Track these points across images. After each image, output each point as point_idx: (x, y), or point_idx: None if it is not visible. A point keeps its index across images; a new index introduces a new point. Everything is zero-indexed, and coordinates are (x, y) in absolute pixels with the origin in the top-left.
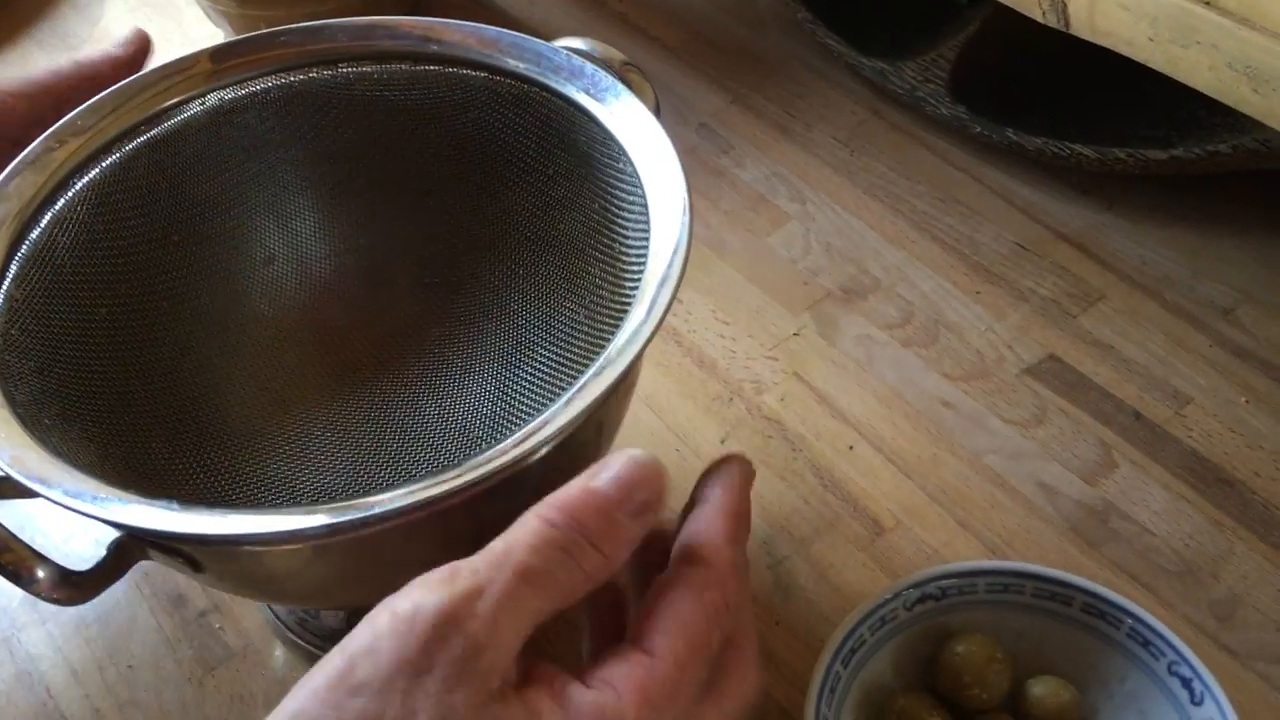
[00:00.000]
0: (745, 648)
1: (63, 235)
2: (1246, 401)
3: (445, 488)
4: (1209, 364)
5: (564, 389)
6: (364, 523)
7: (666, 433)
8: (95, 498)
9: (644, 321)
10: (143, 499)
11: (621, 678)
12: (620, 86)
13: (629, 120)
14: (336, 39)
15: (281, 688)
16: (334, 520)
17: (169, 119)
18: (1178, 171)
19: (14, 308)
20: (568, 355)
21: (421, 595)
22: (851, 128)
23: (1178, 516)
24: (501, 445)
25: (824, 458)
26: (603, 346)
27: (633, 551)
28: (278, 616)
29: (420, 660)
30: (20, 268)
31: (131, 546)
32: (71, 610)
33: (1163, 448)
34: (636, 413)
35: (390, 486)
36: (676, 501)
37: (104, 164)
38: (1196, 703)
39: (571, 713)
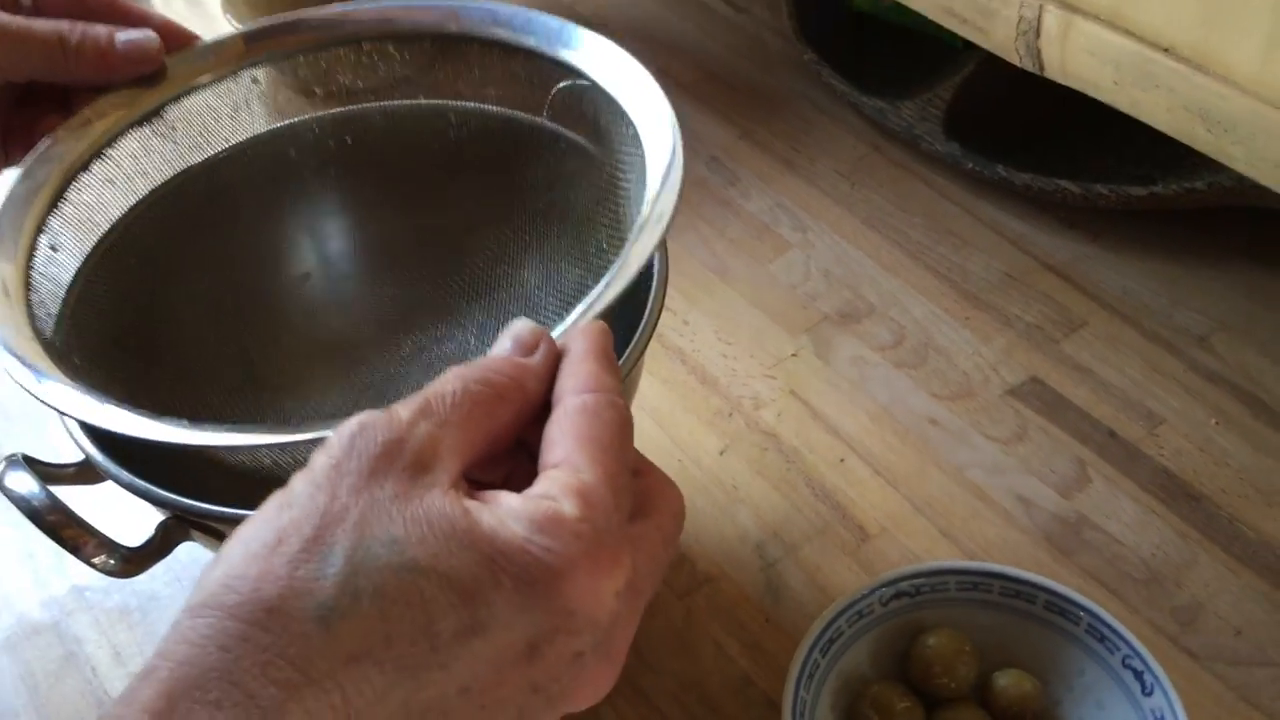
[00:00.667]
0: (654, 471)
1: (101, 199)
2: (1216, 423)
3: None
4: (1182, 387)
5: None
6: None
7: (669, 444)
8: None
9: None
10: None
11: (554, 485)
12: (621, 53)
13: (629, 83)
14: (360, 22)
15: None
16: None
17: (203, 90)
18: (1157, 207)
19: (53, 263)
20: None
21: (368, 418)
22: (853, 162)
23: (1146, 528)
24: None
25: (816, 470)
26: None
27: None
28: None
29: (360, 480)
30: (61, 226)
31: (176, 528)
32: (115, 599)
33: (1135, 465)
34: (641, 424)
35: None
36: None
37: (139, 133)
38: (1147, 693)
39: (507, 518)
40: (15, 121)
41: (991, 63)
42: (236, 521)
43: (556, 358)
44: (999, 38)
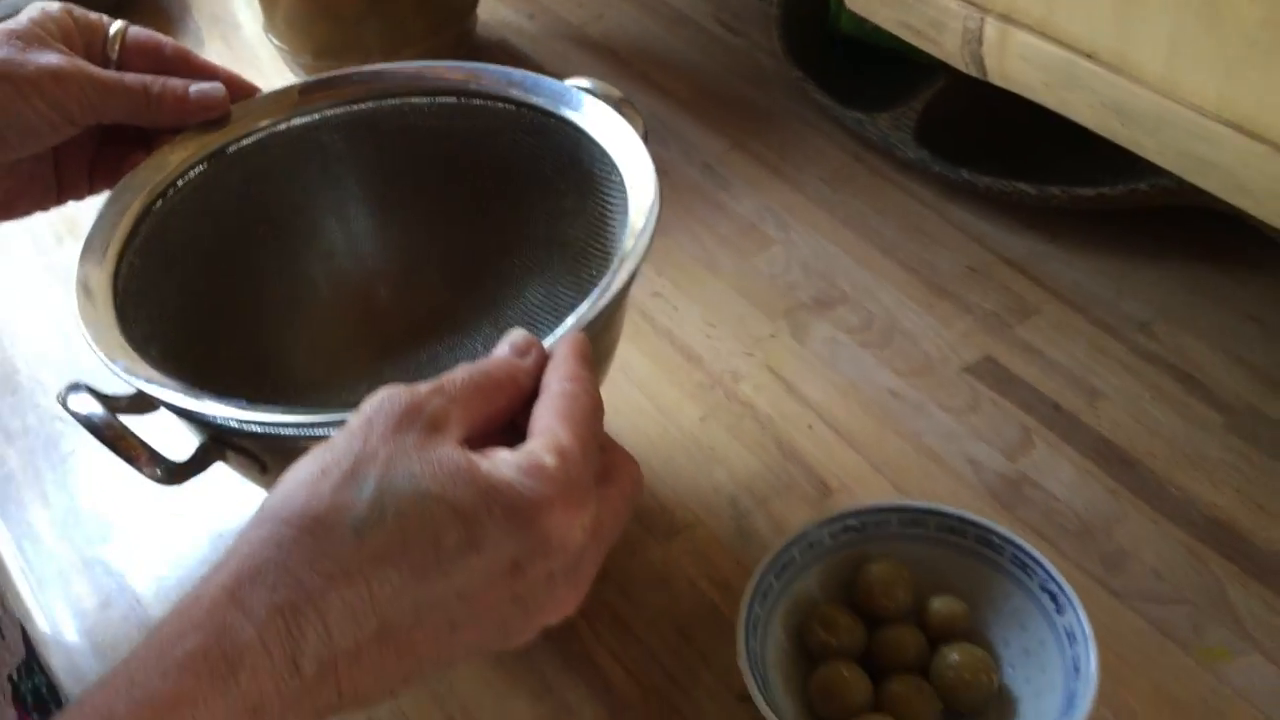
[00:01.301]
0: (619, 449)
1: (173, 220)
2: (1152, 398)
3: None
4: (1123, 367)
5: None
6: None
7: (655, 411)
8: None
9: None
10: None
11: (538, 444)
12: (615, 115)
13: (619, 141)
14: (397, 79)
15: None
16: None
17: (261, 133)
18: (1105, 206)
19: (133, 270)
20: None
21: (393, 389)
22: (835, 170)
23: (1081, 488)
24: None
25: (786, 434)
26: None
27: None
28: None
29: (387, 432)
30: (141, 241)
31: (212, 447)
32: (157, 535)
33: (1075, 432)
34: (629, 394)
35: None
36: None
37: (207, 167)
38: (1060, 612)
39: (500, 464)
40: (101, 156)
41: (958, 78)
42: (259, 439)
43: (545, 359)
44: (949, 48)
